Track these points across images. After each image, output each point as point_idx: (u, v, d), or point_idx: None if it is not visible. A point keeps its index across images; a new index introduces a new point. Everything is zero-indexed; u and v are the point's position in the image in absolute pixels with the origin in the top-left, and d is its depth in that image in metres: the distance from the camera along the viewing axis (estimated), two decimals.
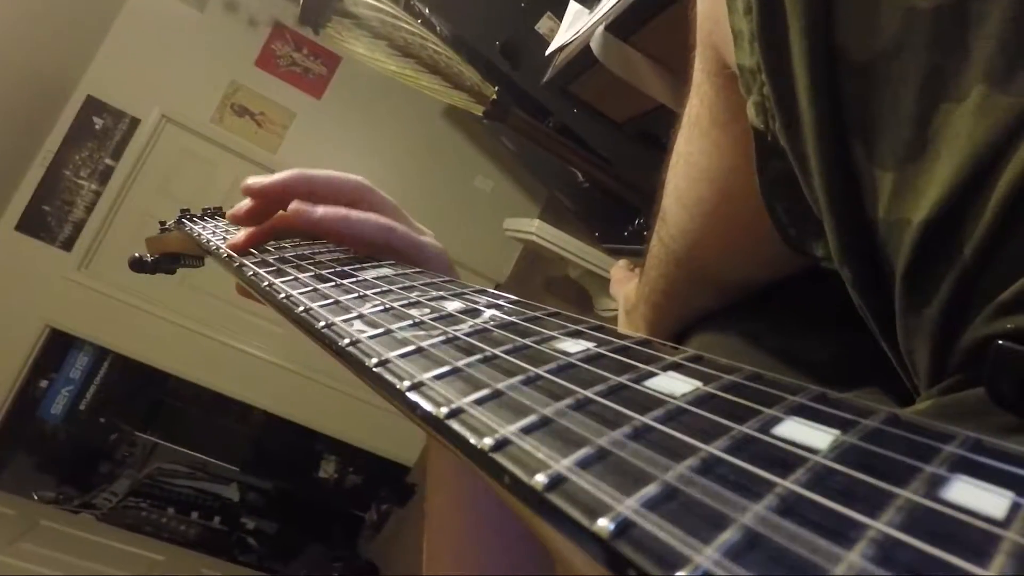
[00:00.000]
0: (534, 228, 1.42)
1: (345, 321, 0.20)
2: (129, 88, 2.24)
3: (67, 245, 2.22)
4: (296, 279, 0.26)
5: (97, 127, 2.23)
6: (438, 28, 1.15)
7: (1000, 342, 0.15)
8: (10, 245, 2.18)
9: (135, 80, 2.24)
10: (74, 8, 2.04)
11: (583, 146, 1.09)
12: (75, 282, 2.21)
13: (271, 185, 0.33)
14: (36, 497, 2.29)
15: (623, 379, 0.14)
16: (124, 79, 2.23)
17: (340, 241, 0.33)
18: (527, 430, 0.12)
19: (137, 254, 0.48)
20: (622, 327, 0.47)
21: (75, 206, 2.23)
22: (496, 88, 1.03)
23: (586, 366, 0.15)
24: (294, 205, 0.31)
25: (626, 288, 0.49)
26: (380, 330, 0.19)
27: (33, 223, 2.20)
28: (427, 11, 1.14)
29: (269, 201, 0.34)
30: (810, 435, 0.11)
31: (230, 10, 2.31)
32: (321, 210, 0.31)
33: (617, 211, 1.23)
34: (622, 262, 0.63)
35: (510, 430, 0.12)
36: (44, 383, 2.40)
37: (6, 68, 1.84)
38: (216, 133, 2.32)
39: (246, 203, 0.34)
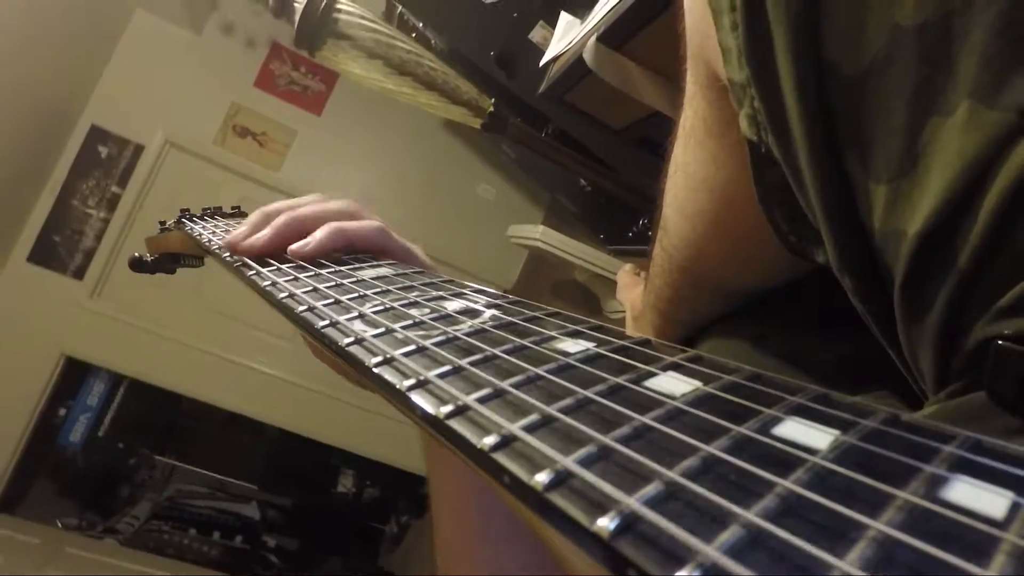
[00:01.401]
0: (539, 234, 1.42)
1: (346, 321, 0.20)
2: (132, 115, 2.26)
3: (79, 274, 2.24)
4: (296, 279, 0.26)
5: (102, 155, 2.26)
6: (433, 42, 1.16)
7: (1000, 342, 0.15)
8: (23, 276, 2.20)
9: (137, 107, 2.26)
10: (75, 40, 2.07)
11: (582, 152, 1.09)
12: (88, 310, 2.23)
13: (263, 246, 0.33)
14: (60, 524, 2.30)
15: (623, 379, 0.14)
16: (126, 107, 2.25)
17: (340, 248, 0.33)
18: (527, 430, 0.12)
19: (137, 254, 0.48)
20: (630, 333, 0.47)
21: (85, 235, 2.26)
22: (493, 100, 1.03)
23: (586, 366, 0.15)
24: (292, 249, 0.32)
25: (632, 294, 0.49)
26: (380, 330, 0.19)
27: (44, 254, 2.22)
28: (420, 25, 1.15)
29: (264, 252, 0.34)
30: (810, 435, 0.11)
31: (227, 32, 2.33)
32: (314, 243, 0.32)
33: (620, 213, 1.23)
34: (628, 267, 0.63)
35: (510, 430, 0.12)
36: (62, 411, 2.41)
37: (11, 102, 1.87)
38: (219, 155, 2.34)
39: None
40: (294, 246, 0.31)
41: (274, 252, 0.33)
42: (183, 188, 2.32)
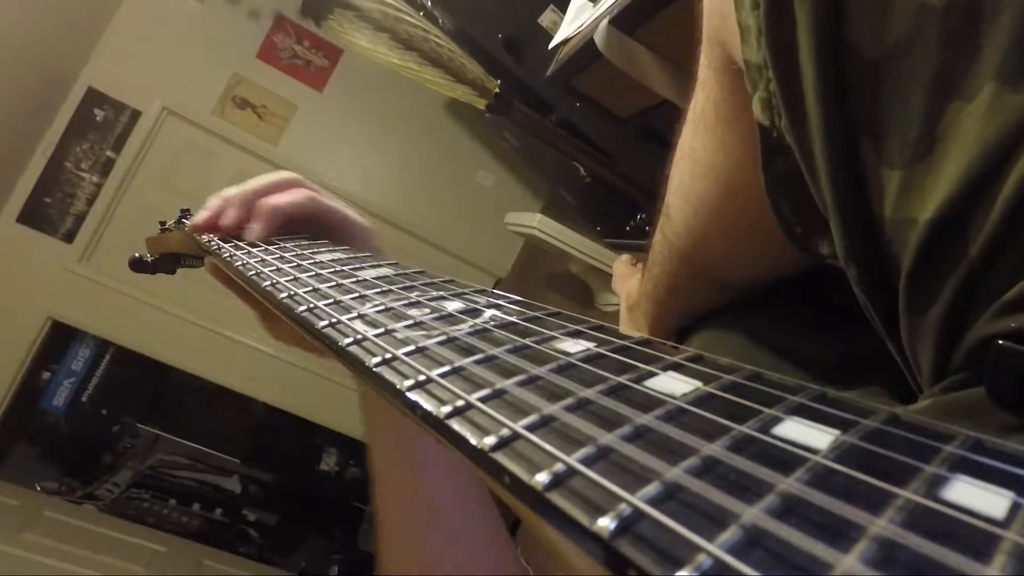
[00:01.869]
0: (536, 222, 1.42)
1: (346, 321, 0.20)
2: (130, 80, 2.23)
3: (68, 237, 2.22)
4: (296, 279, 0.27)
5: (98, 119, 2.23)
6: (440, 21, 1.15)
7: (1000, 341, 0.15)
8: (12, 237, 2.18)
9: (136, 72, 2.23)
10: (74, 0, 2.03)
11: (586, 141, 1.09)
12: (77, 274, 2.21)
13: (205, 223, 0.37)
14: (39, 488, 2.30)
15: (623, 379, 0.14)
16: (125, 71, 2.22)
17: (280, 223, 0.36)
18: (527, 430, 0.12)
19: (137, 254, 0.48)
20: (624, 323, 0.47)
21: (76, 198, 2.23)
22: (499, 82, 1.03)
23: (586, 366, 0.15)
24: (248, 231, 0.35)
25: (628, 284, 0.49)
26: (380, 330, 0.19)
27: (34, 215, 2.20)
28: (429, 4, 1.14)
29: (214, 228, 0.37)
30: (810, 435, 0.11)
31: (232, 2, 2.30)
32: (256, 229, 0.35)
33: (619, 206, 1.23)
34: (624, 257, 0.63)
35: (510, 430, 0.12)
36: (46, 375, 2.40)
37: (6, 60, 1.84)
38: (217, 125, 2.32)
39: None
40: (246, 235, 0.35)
41: (215, 231, 0.37)
42: (179, 156, 2.30)
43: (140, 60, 2.23)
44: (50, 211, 2.21)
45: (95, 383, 2.49)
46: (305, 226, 0.38)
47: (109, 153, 2.25)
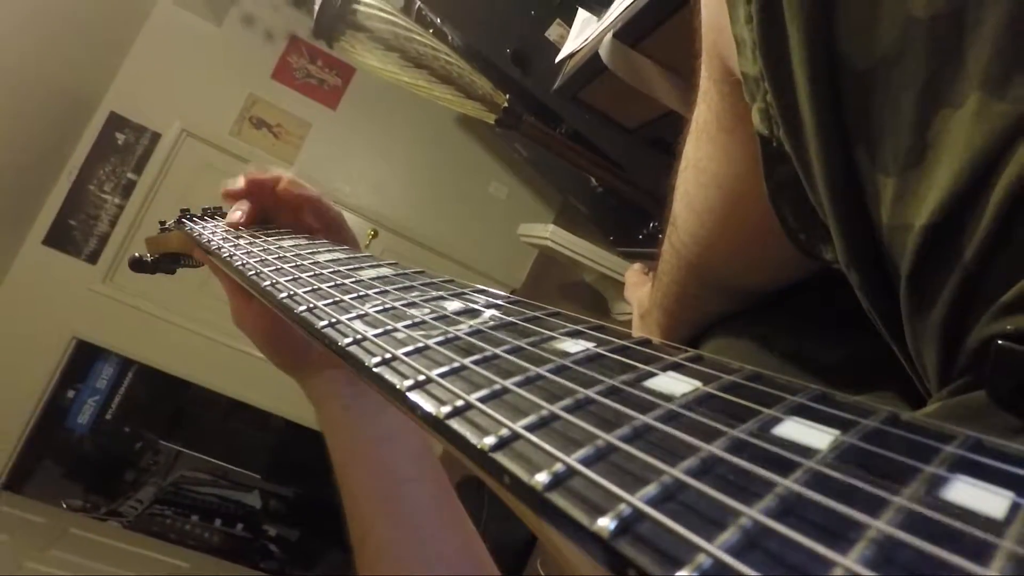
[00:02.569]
0: (548, 233, 1.42)
1: (346, 321, 0.20)
2: (150, 103, 2.29)
3: (92, 258, 2.27)
4: (296, 279, 0.26)
5: (120, 142, 2.29)
6: (450, 37, 1.17)
7: (1000, 342, 0.14)
8: (38, 259, 2.23)
9: (156, 95, 2.29)
10: (97, 27, 2.09)
11: (595, 152, 1.09)
12: (100, 294, 2.26)
13: (254, 178, 0.41)
14: (64, 505, 2.33)
15: (623, 379, 0.14)
16: (145, 95, 2.28)
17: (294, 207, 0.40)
18: (527, 430, 0.12)
19: (137, 254, 0.48)
20: (636, 332, 0.47)
21: (99, 220, 2.28)
22: (507, 96, 1.04)
23: (586, 366, 0.15)
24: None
25: (640, 292, 0.49)
26: (380, 330, 0.19)
27: (60, 237, 2.25)
28: (439, 21, 1.15)
29: (253, 186, 0.41)
30: (810, 435, 0.11)
31: (247, 24, 2.35)
32: (241, 211, 0.39)
33: (631, 215, 1.22)
34: (636, 266, 0.63)
35: (510, 430, 0.12)
36: (71, 393, 2.45)
37: (34, 88, 1.90)
38: (235, 145, 2.36)
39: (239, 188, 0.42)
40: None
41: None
42: (198, 177, 2.35)
43: (159, 84, 2.29)
44: (75, 233, 2.27)
45: (118, 401, 2.53)
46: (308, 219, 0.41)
47: (130, 175, 2.30)
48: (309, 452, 2.62)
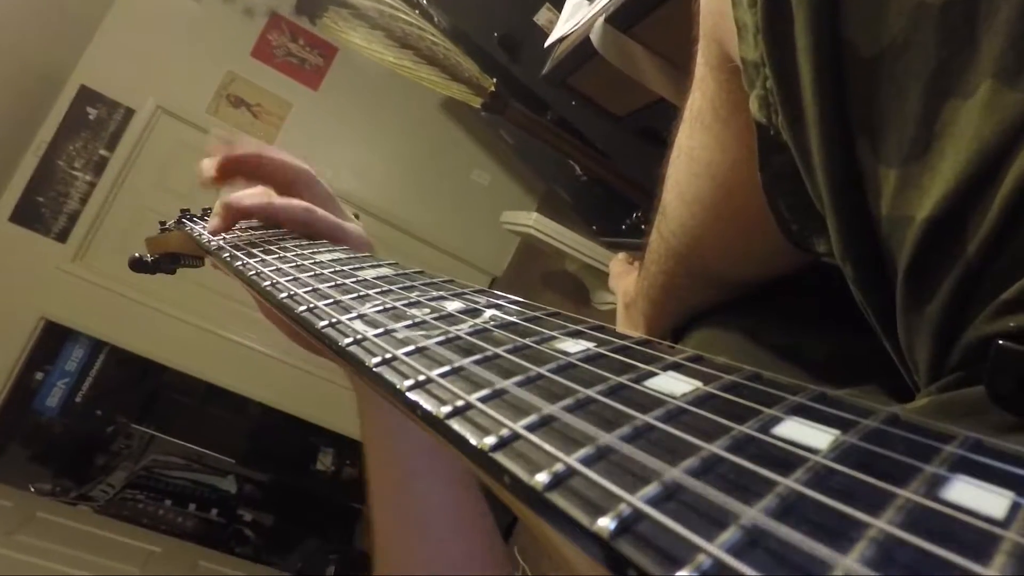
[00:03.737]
0: (532, 221, 1.42)
1: (346, 320, 0.20)
2: (124, 78, 2.22)
3: (62, 236, 2.21)
4: (296, 279, 0.27)
5: (91, 117, 2.22)
6: (436, 19, 1.15)
7: (1000, 342, 0.15)
8: (4, 237, 2.16)
9: (130, 70, 2.22)
10: None
11: (582, 139, 1.09)
12: (70, 274, 2.20)
13: (228, 158, 0.39)
14: (32, 489, 2.28)
15: (623, 379, 0.14)
16: (119, 69, 2.21)
17: (271, 221, 0.39)
18: (527, 429, 0.12)
19: (137, 254, 0.48)
20: (620, 321, 0.47)
21: (69, 197, 2.22)
22: (494, 80, 1.02)
23: (586, 366, 0.15)
24: (229, 198, 0.38)
25: (625, 282, 0.49)
26: (380, 330, 0.19)
27: (27, 214, 2.19)
28: (425, 2, 1.13)
29: (229, 168, 0.39)
30: (810, 435, 0.11)
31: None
32: (247, 201, 0.38)
33: (615, 205, 1.23)
34: (621, 256, 0.63)
35: (510, 430, 0.12)
36: (39, 375, 2.39)
37: None
38: (212, 124, 2.31)
39: (212, 162, 0.40)
40: (229, 198, 0.38)
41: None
42: (173, 155, 2.29)
43: (133, 58, 2.22)
44: (43, 210, 2.20)
45: (89, 383, 2.48)
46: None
47: (102, 152, 2.23)
48: (285, 437, 2.61)
